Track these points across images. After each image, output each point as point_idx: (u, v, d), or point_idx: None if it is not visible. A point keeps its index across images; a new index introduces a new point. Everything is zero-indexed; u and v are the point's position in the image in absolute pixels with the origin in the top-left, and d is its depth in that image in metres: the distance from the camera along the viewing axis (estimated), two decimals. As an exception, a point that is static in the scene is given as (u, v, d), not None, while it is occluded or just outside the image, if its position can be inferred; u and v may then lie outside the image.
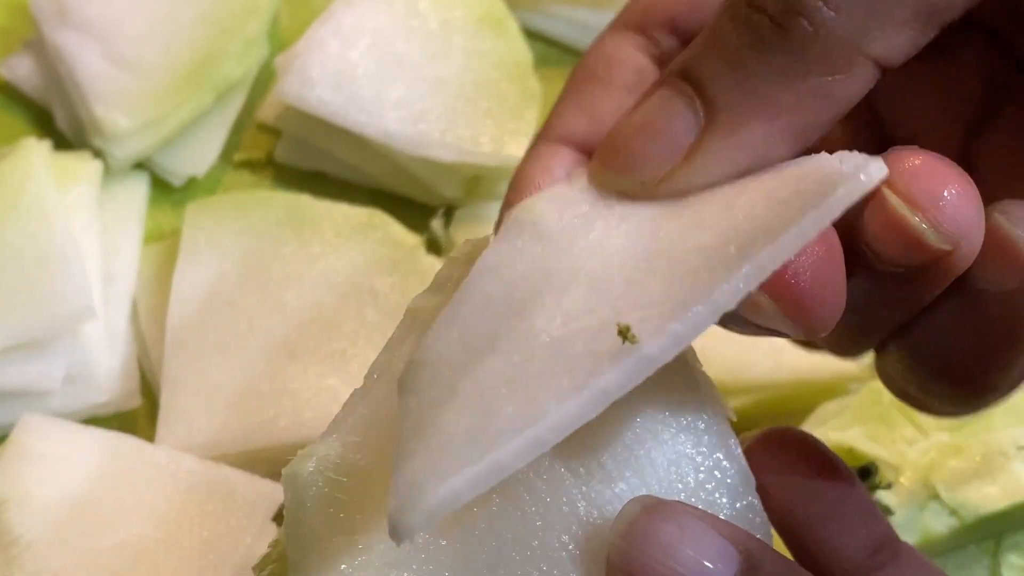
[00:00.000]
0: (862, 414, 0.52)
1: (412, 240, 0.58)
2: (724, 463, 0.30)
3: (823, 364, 0.58)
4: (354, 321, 0.55)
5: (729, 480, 0.30)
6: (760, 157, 0.29)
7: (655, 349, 0.26)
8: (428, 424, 0.27)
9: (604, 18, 0.68)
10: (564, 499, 0.29)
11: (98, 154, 0.60)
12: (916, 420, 0.52)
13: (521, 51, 0.64)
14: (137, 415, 0.55)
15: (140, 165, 0.62)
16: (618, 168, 0.30)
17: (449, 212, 0.62)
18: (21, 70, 0.64)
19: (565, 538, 0.28)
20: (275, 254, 0.57)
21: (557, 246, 0.30)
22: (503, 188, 0.63)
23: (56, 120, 0.63)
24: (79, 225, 0.56)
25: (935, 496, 0.50)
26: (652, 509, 0.28)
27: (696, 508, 0.29)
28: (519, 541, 0.29)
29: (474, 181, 0.63)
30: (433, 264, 0.57)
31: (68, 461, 0.48)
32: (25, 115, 0.65)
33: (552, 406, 0.26)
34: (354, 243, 0.58)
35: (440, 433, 0.26)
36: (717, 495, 0.30)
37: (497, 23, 0.65)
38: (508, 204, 0.33)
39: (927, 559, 0.34)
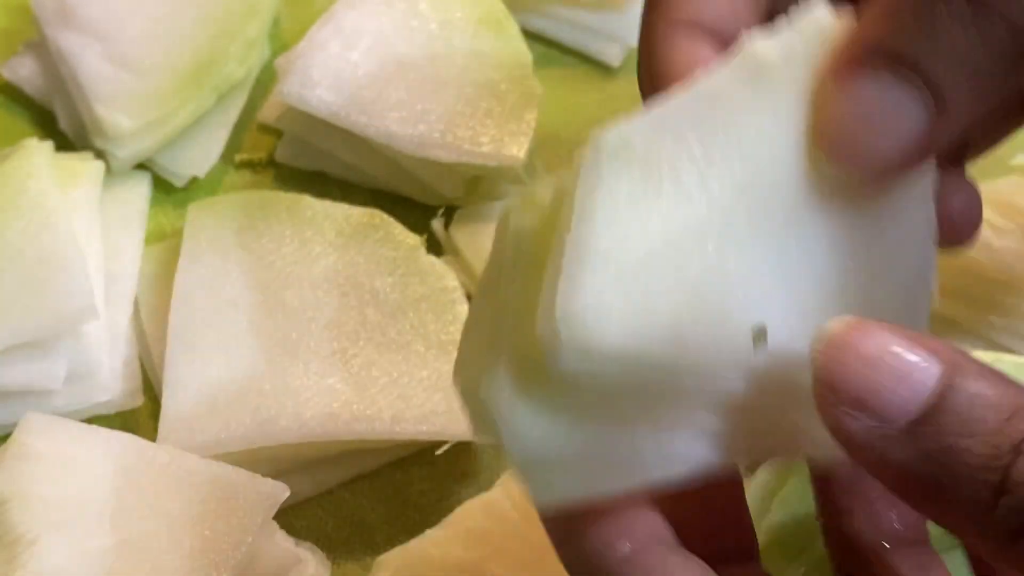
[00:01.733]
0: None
1: (412, 240, 0.58)
2: None
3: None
4: (354, 321, 0.55)
5: None
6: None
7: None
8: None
9: (604, 19, 0.69)
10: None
11: (100, 155, 0.60)
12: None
13: (521, 52, 0.64)
14: (139, 414, 0.56)
15: (142, 165, 0.62)
16: (847, 161, 0.29)
17: (449, 212, 0.62)
18: (23, 71, 0.64)
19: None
20: (276, 254, 0.57)
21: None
22: (503, 188, 0.63)
23: (58, 121, 0.63)
24: (81, 225, 0.56)
25: (934, 495, 0.50)
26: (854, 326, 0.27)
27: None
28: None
29: (474, 181, 0.63)
30: (433, 264, 0.57)
31: (70, 460, 0.48)
32: (27, 116, 0.65)
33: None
34: (355, 243, 0.58)
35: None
36: None
37: (497, 24, 0.65)
38: (653, 89, 0.31)
39: None
